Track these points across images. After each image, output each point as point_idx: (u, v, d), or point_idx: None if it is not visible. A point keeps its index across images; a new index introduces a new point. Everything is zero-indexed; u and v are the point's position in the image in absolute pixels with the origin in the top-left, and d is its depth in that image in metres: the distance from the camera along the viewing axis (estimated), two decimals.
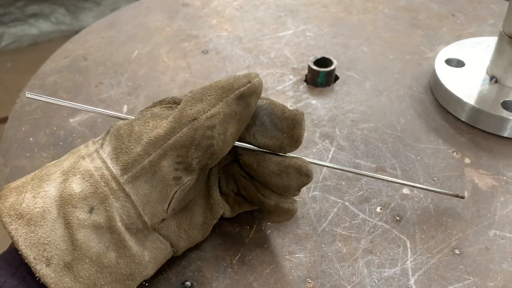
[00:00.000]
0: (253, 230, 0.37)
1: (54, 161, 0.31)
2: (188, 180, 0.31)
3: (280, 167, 0.33)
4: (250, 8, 0.67)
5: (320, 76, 0.52)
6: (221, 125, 0.30)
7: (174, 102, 0.33)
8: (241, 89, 0.31)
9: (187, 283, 0.34)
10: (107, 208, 0.28)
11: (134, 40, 0.61)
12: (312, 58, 0.53)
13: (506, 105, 0.46)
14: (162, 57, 0.58)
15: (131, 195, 0.29)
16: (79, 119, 0.49)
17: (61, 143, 0.46)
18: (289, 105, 0.50)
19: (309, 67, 0.52)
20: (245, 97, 0.31)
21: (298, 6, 0.67)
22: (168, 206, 0.30)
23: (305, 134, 0.46)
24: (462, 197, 0.38)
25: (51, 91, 0.53)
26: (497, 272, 0.34)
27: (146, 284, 0.34)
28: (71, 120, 0.49)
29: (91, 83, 0.54)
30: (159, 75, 0.55)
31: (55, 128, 0.48)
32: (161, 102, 0.33)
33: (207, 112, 0.30)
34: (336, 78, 0.54)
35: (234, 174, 0.36)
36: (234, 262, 0.35)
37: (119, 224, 0.28)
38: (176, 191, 0.30)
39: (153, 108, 0.33)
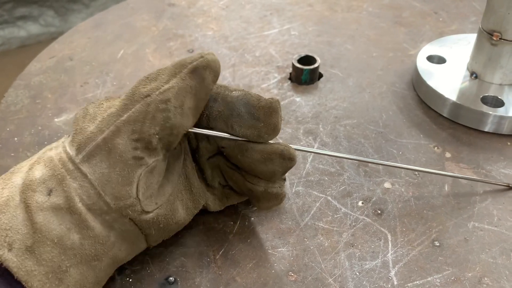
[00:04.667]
0: (236, 225, 0.38)
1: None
2: (153, 162, 0.31)
3: (263, 154, 0.33)
4: (236, 8, 0.68)
5: (304, 74, 0.52)
6: (176, 98, 0.31)
7: None
8: (194, 63, 0.31)
9: (171, 278, 0.34)
10: (65, 189, 0.28)
11: (120, 40, 0.61)
12: (296, 56, 0.53)
13: (485, 100, 0.47)
14: (147, 56, 0.58)
15: (88, 174, 0.29)
16: (64, 118, 0.49)
17: (45, 143, 0.46)
18: None
19: (293, 65, 0.53)
20: (198, 70, 0.31)
21: (284, 5, 0.68)
22: (137, 191, 0.30)
23: (289, 131, 0.47)
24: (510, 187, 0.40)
25: (37, 91, 0.53)
26: (475, 262, 0.35)
27: (130, 280, 0.34)
28: (56, 119, 0.49)
29: (76, 83, 0.54)
30: (144, 74, 0.55)
31: (40, 128, 0.48)
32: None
33: (160, 88, 0.30)
34: (320, 75, 0.54)
35: (220, 165, 0.36)
36: (217, 257, 0.35)
37: (79, 204, 0.28)
38: (141, 174, 0.30)
39: None
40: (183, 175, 0.35)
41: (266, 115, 0.33)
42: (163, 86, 0.31)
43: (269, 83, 0.53)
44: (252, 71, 0.55)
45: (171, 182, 0.33)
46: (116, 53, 0.59)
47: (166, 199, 0.33)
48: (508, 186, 0.40)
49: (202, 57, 0.32)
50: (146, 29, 0.63)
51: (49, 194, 0.28)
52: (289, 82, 0.54)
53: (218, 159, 0.36)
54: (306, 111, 0.49)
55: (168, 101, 0.30)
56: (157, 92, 0.30)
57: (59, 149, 0.30)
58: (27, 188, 0.28)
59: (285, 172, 0.35)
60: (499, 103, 0.46)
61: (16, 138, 0.46)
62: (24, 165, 0.30)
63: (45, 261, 0.27)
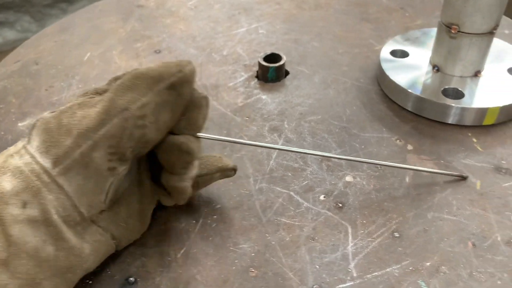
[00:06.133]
0: (199, 224, 0.38)
1: None
2: (123, 170, 0.31)
3: (166, 145, 0.33)
4: (205, 8, 0.68)
5: (270, 72, 0.53)
6: (152, 114, 0.30)
7: (96, 93, 0.33)
8: (171, 79, 0.31)
9: (131, 279, 0.34)
10: (41, 201, 0.28)
11: (87, 42, 0.61)
12: (262, 54, 0.54)
13: (446, 93, 0.47)
14: (114, 58, 0.58)
15: (65, 186, 0.29)
16: (28, 123, 0.48)
17: (8, 147, 0.45)
18: (240, 101, 0.51)
19: (259, 63, 0.53)
20: (176, 87, 0.31)
21: (252, 4, 0.68)
22: (106, 197, 0.31)
23: (255, 128, 0.47)
24: (466, 177, 0.41)
25: (0, 96, 0.52)
26: (434, 252, 0.35)
27: (90, 282, 0.34)
28: (19, 124, 0.48)
29: (41, 87, 0.54)
30: (110, 75, 0.54)
31: (2, 133, 0.47)
32: (84, 95, 0.33)
33: (138, 102, 0.30)
34: (287, 73, 0.55)
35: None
36: (178, 256, 0.35)
37: (55, 216, 0.28)
38: (113, 182, 0.30)
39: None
40: (138, 171, 0.35)
41: (188, 109, 0.32)
42: (140, 99, 0.30)
43: (236, 82, 0.53)
44: (219, 70, 0.55)
45: (127, 179, 0.33)
46: (83, 56, 0.58)
47: (119, 195, 0.33)
48: (462, 177, 0.41)
49: (180, 71, 0.31)
50: (114, 31, 0.63)
51: (24, 207, 0.28)
52: (256, 80, 0.54)
53: None
54: (272, 108, 0.50)
55: (145, 116, 0.30)
56: (134, 107, 0.30)
57: (25, 158, 0.29)
58: None
59: (185, 166, 0.33)
60: (459, 95, 0.47)
61: None
62: None
63: (20, 274, 0.27)
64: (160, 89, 0.31)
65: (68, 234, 0.29)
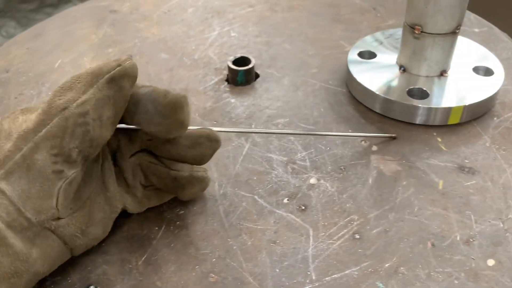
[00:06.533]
0: (161, 230, 0.38)
1: None
2: (72, 173, 0.31)
3: (191, 139, 0.35)
4: (178, 12, 0.68)
5: (239, 75, 0.53)
6: (94, 110, 0.30)
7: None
8: (111, 72, 0.31)
9: (91, 287, 0.34)
10: None
11: (59, 49, 0.61)
12: (231, 58, 0.54)
13: (411, 93, 0.48)
14: (85, 65, 0.58)
15: (6, 191, 0.29)
16: None
17: None
18: (209, 105, 0.51)
19: (229, 67, 0.53)
20: (116, 80, 0.31)
21: (225, 7, 0.68)
22: (57, 203, 0.30)
23: (222, 132, 0.47)
24: (394, 137, 0.45)
25: None
26: (393, 253, 0.36)
27: None
28: None
29: (11, 95, 0.53)
30: None
31: None
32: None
33: (78, 99, 0.30)
34: (257, 76, 0.55)
35: (141, 163, 0.36)
36: (139, 263, 0.35)
37: None
38: (61, 186, 0.30)
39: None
40: (101, 178, 0.35)
41: (172, 111, 0.33)
42: (80, 97, 0.30)
43: (206, 86, 0.54)
44: (190, 75, 0.55)
45: (88, 187, 0.33)
46: (54, 63, 0.58)
47: (82, 203, 0.33)
48: (392, 137, 0.45)
49: (119, 65, 0.32)
50: (86, 37, 0.63)
51: None
52: (226, 83, 0.54)
53: (139, 157, 0.36)
54: (241, 112, 0.50)
55: (86, 114, 0.30)
56: (74, 105, 0.30)
57: None
58: None
59: (213, 154, 0.36)
60: (424, 95, 0.47)
61: None
62: None
63: None
64: (100, 84, 0.31)
65: (14, 239, 0.29)
